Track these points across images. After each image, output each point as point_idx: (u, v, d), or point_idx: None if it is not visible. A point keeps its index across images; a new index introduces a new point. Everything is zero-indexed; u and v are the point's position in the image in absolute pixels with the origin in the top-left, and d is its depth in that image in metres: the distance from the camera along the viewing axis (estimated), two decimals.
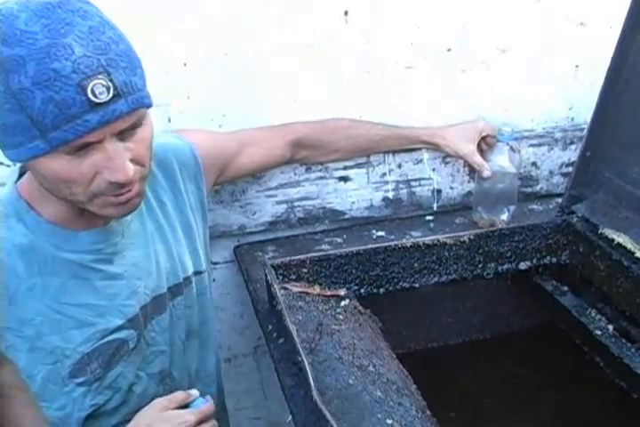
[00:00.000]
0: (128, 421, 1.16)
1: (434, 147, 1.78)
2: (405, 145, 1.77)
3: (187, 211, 1.30)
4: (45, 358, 1.08)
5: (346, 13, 1.63)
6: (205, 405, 1.23)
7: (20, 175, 1.12)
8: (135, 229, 1.19)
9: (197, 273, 1.32)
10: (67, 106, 0.89)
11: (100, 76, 0.91)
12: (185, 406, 1.21)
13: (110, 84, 0.92)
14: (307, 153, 1.67)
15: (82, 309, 1.11)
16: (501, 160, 1.73)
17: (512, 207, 1.78)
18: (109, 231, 1.14)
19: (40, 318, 1.07)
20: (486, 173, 1.70)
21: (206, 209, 1.38)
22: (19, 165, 1.12)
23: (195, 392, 1.24)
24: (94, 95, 0.91)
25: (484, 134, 1.75)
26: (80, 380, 1.11)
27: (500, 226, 1.72)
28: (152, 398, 1.20)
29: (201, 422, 1.19)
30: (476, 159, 1.71)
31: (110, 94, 0.92)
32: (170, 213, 1.27)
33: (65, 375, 1.10)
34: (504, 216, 1.77)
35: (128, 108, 0.95)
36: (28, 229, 1.06)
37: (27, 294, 1.06)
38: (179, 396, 1.21)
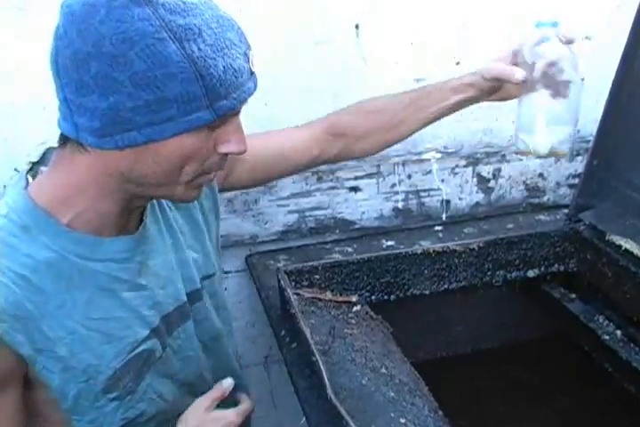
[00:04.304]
0: None
1: (467, 94, 1.39)
2: (440, 101, 1.40)
3: (197, 213, 1.27)
4: (78, 377, 1.02)
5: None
6: (247, 403, 1.27)
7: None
8: (153, 236, 1.14)
9: (208, 276, 1.29)
10: (240, 73, 0.91)
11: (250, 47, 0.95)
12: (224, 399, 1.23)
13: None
14: (341, 144, 1.45)
15: (110, 322, 1.06)
16: (548, 54, 1.21)
17: (569, 131, 1.26)
18: (138, 238, 1.09)
19: (71, 337, 1.01)
20: (517, 76, 1.22)
21: (219, 208, 1.35)
22: (24, 170, 1.05)
23: (229, 383, 1.25)
24: (252, 63, 0.94)
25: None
26: (113, 395, 1.07)
27: (560, 154, 1.26)
28: (185, 404, 1.19)
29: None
30: (499, 65, 1.27)
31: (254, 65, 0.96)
32: (182, 216, 1.25)
33: (98, 392, 1.05)
34: (560, 141, 1.24)
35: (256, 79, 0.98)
36: (50, 240, 0.98)
37: (56, 312, 0.99)
38: (217, 393, 1.22)
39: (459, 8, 1.74)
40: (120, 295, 1.07)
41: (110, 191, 1.00)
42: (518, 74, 1.21)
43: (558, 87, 1.22)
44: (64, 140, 0.97)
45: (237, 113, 0.97)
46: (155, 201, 1.16)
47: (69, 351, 1.01)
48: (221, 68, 0.88)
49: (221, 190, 1.37)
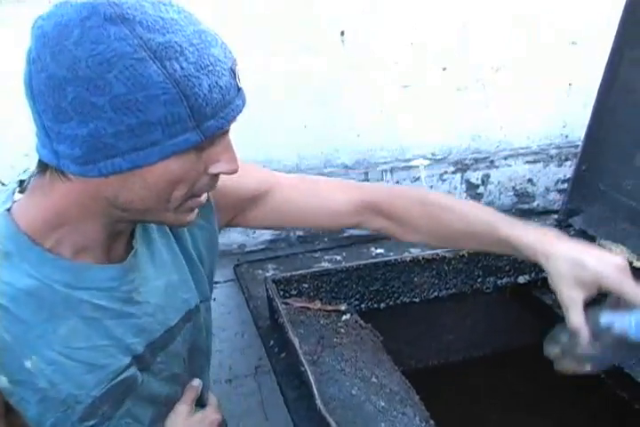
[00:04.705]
0: None
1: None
2: (500, 251, 1.26)
3: (187, 242, 1.20)
4: (57, 407, 0.98)
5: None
6: (213, 398, 1.29)
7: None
8: (144, 262, 1.10)
9: (205, 300, 1.25)
10: (227, 91, 0.86)
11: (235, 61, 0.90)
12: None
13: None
14: (385, 224, 1.32)
15: (92, 351, 1.01)
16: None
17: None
18: (127, 267, 1.04)
19: (52, 368, 0.96)
20: (583, 338, 1.06)
21: (216, 242, 1.27)
22: (10, 189, 0.99)
23: (198, 382, 1.24)
24: (238, 79, 0.90)
25: (608, 288, 1.05)
26: (90, 423, 1.03)
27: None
28: (161, 423, 1.18)
29: None
30: (574, 317, 1.07)
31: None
32: (178, 240, 1.19)
33: (75, 421, 1.01)
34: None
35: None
36: (33, 268, 0.93)
37: (36, 343, 0.95)
38: (191, 394, 1.21)
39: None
40: (104, 324, 1.02)
41: (94, 214, 0.96)
42: (583, 338, 1.05)
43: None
44: (44, 166, 0.92)
45: (226, 132, 0.92)
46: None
47: (49, 382, 0.97)
48: (206, 86, 0.83)
49: (226, 226, 1.32)
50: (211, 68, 0.84)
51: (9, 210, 0.95)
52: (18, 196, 0.98)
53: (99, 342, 1.02)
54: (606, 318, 1.04)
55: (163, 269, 1.13)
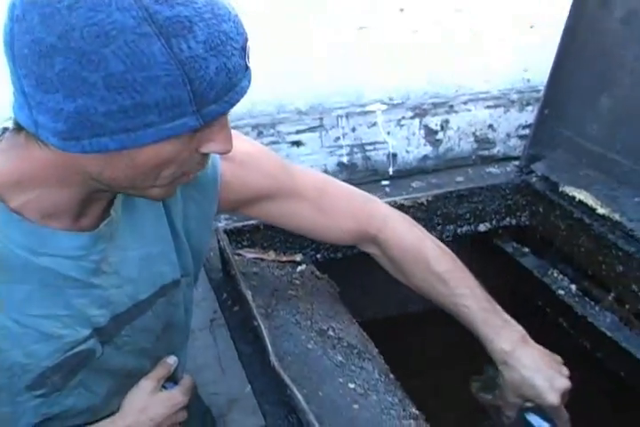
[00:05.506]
0: (98, 419, 1.09)
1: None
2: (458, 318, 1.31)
3: (177, 214, 1.12)
4: (1, 373, 0.94)
5: None
6: (188, 380, 1.21)
7: None
8: (126, 229, 1.02)
9: (186, 275, 1.16)
10: (235, 73, 0.77)
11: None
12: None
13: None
14: (378, 254, 1.36)
15: (49, 320, 0.95)
16: None
17: None
18: (98, 236, 0.96)
19: (1, 332, 0.91)
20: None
21: (210, 219, 1.20)
22: None
23: (173, 360, 1.18)
24: (248, 58, 0.80)
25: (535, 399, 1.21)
26: (39, 392, 0.98)
27: None
28: (123, 396, 1.13)
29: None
30: (508, 414, 1.26)
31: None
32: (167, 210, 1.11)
33: (21, 388, 0.95)
34: None
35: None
36: None
37: None
38: (162, 371, 1.15)
39: None
40: (65, 293, 0.96)
41: (72, 183, 0.88)
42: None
43: None
44: (20, 126, 0.82)
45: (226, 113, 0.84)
46: None
47: None
48: (214, 69, 0.75)
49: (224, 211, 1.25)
50: (220, 47, 0.75)
51: None
52: None
53: (57, 312, 0.95)
54: (535, 419, 1.21)
55: (142, 239, 1.05)
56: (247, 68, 0.81)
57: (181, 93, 0.74)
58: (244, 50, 0.79)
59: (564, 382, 1.17)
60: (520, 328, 1.23)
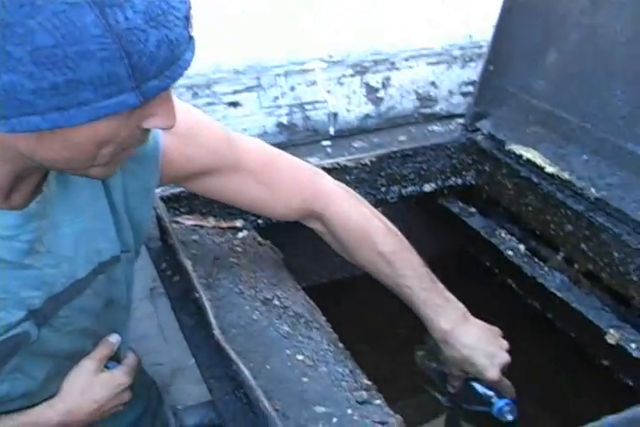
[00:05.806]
0: (36, 404, 1.06)
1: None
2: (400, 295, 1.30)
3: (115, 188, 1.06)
4: None
5: None
6: (132, 358, 1.18)
7: None
8: (61, 205, 0.97)
9: (127, 251, 1.11)
10: (177, 45, 0.71)
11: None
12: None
13: None
14: (320, 228, 1.32)
15: None
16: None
17: None
18: (29, 214, 0.91)
19: None
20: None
21: (151, 193, 1.14)
22: None
23: (116, 339, 1.14)
24: (191, 27, 0.74)
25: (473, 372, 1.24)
26: None
27: None
28: (64, 376, 1.09)
29: None
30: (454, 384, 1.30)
31: None
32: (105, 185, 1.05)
33: None
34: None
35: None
36: None
37: None
38: (104, 350, 1.11)
39: None
40: None
41: (2, 161, 0.82)
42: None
43: None
44: None
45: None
46: None
47: None
48: (154, 42, 0.68)
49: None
50: (162, 18, 0.68)
51: None
52: None
53: None
54: (479, 387, 1.24)
55: (79, 215, 0.99)
56: (191, 38, 0.75)
57: (118, 69, 0.67)
58: (187, 19, 0.72)
59: (503, 357, 1.20)
60: (461, 306, 1.24)
